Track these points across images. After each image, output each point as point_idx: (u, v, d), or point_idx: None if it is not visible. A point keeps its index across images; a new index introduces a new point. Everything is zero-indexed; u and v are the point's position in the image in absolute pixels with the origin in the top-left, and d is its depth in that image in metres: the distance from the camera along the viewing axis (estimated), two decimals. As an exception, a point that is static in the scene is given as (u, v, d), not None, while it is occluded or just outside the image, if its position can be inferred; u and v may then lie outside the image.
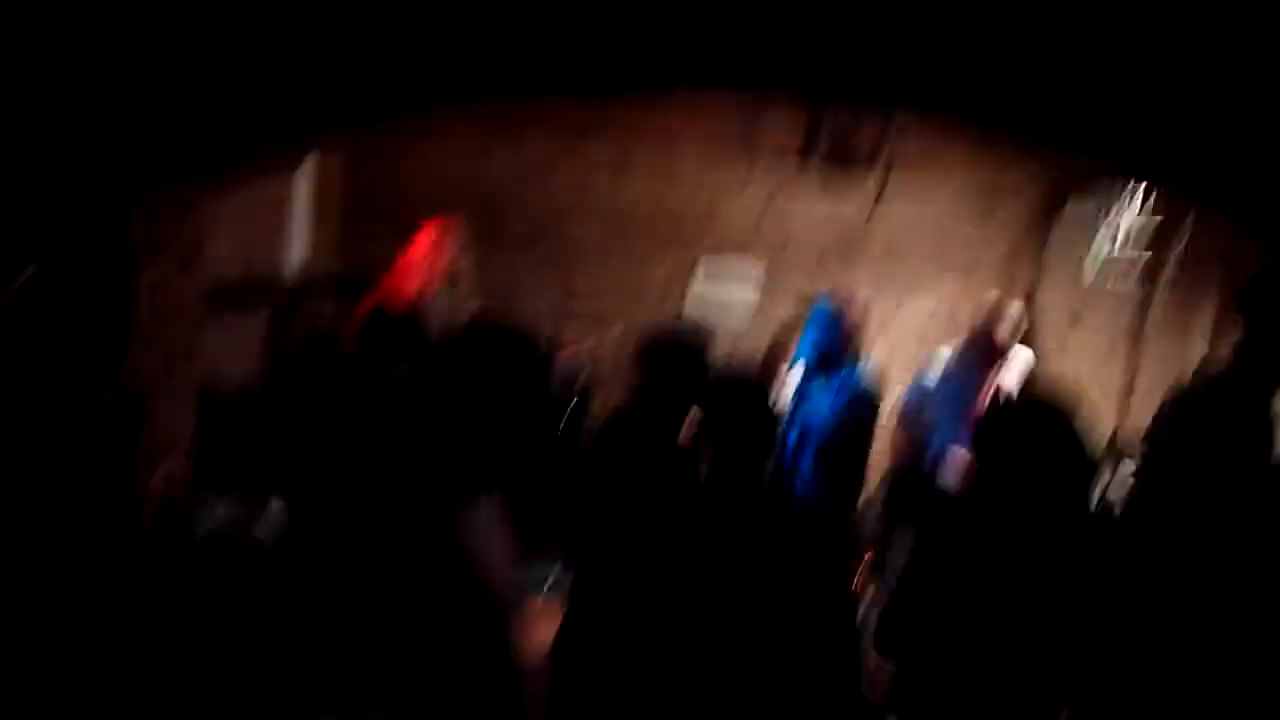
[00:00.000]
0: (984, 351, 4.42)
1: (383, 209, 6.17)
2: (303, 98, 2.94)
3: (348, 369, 2.92)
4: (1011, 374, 4.56)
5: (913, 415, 4.59)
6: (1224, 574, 2.43)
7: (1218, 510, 2.49)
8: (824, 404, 4.31)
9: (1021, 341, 4.69)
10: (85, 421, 2.83)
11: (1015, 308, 4.45)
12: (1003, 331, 4.38)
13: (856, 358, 4.46)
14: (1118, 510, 4.14)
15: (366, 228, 6.18)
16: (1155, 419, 2.82)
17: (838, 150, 3.13)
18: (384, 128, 3.54)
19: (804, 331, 4.63)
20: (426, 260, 4.56)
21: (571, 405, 5.44)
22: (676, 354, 2.85)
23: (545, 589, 4.33)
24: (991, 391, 4.33)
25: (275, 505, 3.86)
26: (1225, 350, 2.68)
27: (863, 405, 4.37)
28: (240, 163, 3.23)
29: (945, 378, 4.53)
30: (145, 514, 3.34)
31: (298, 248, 5.47)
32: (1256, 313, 2.59)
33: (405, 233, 6.12)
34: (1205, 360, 2.88)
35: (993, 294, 4.65)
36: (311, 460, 2.80)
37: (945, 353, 4.63)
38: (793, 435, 4.26)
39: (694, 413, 2.33)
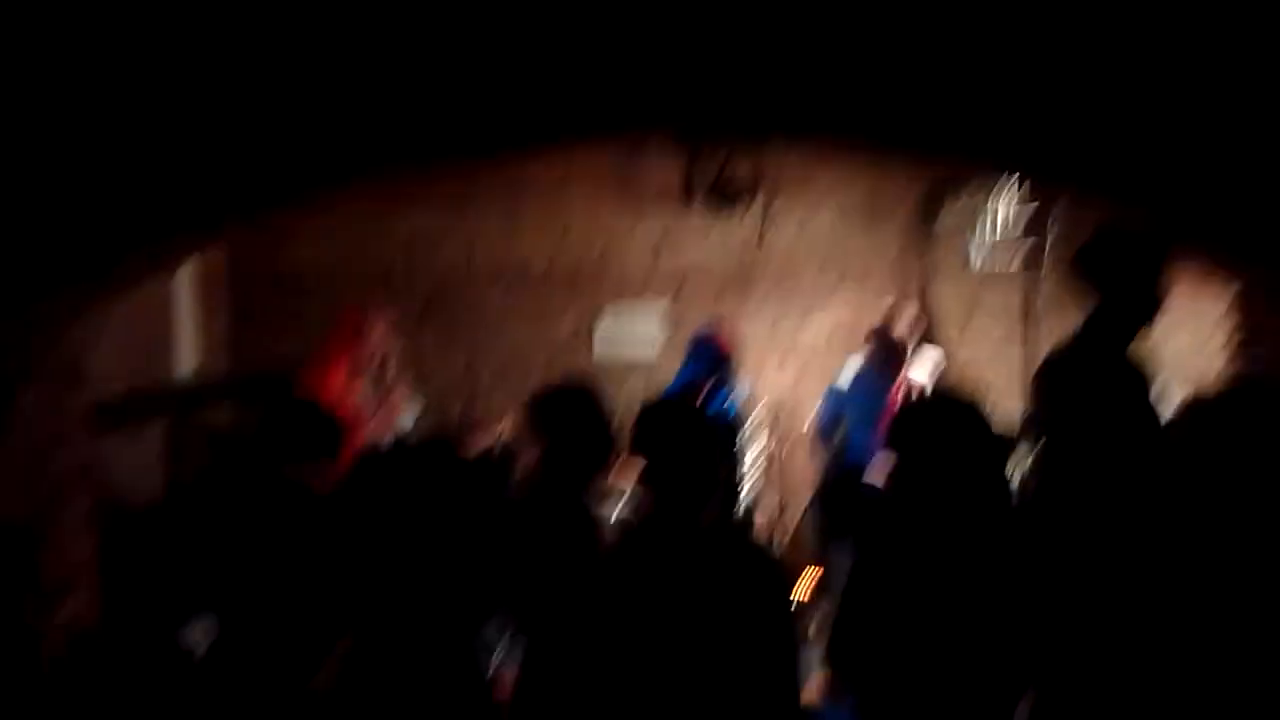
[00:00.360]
0: (888, 356, 4.54)
1: (271, 298, 6.04)
2: (171, 195, 2.85)
3: (261, 477, 2.79)
4: (922, 372, 4.70)
5: (828, 427, 4.68)
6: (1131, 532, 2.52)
7: (1107, 470, 2.58)
8: None
9: (924, 339, 4.84)
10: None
11: (910, 310, 4.59)
12: (902, 334, 4.51)
13: (727, 384, 4.53)
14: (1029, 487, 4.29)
15: (256, 320, 6.04)
16: (1029, 396, 2.93)
17: (718, 187, 3.19)
18: (261, 218, 3.46)
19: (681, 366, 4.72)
20: (346, 350, 4.43)
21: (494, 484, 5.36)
22: (572, 411, 2.81)
23: (497, 659, 4.23)
24: (902, 391, 4.44)
25: (196, 627, 3.69)
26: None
27: (721, 433, 4.46)
28: (112, 272, 3.11)
29: (855, 386, 4.64)
30: (49, 655, 3.14)
31: (187, 350, 5.29)
32: (1092, 276, 2.72)
33: (296, 321, 5.99)
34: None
35: (887, 300, 4.78)
36: (229, 578, 2.68)
37: (852, 362, 4.74)
38: None
39: (625, 456, 2.30)
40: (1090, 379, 2.72)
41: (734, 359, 4.65)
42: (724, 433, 4.44)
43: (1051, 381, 2.86)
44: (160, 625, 3.69)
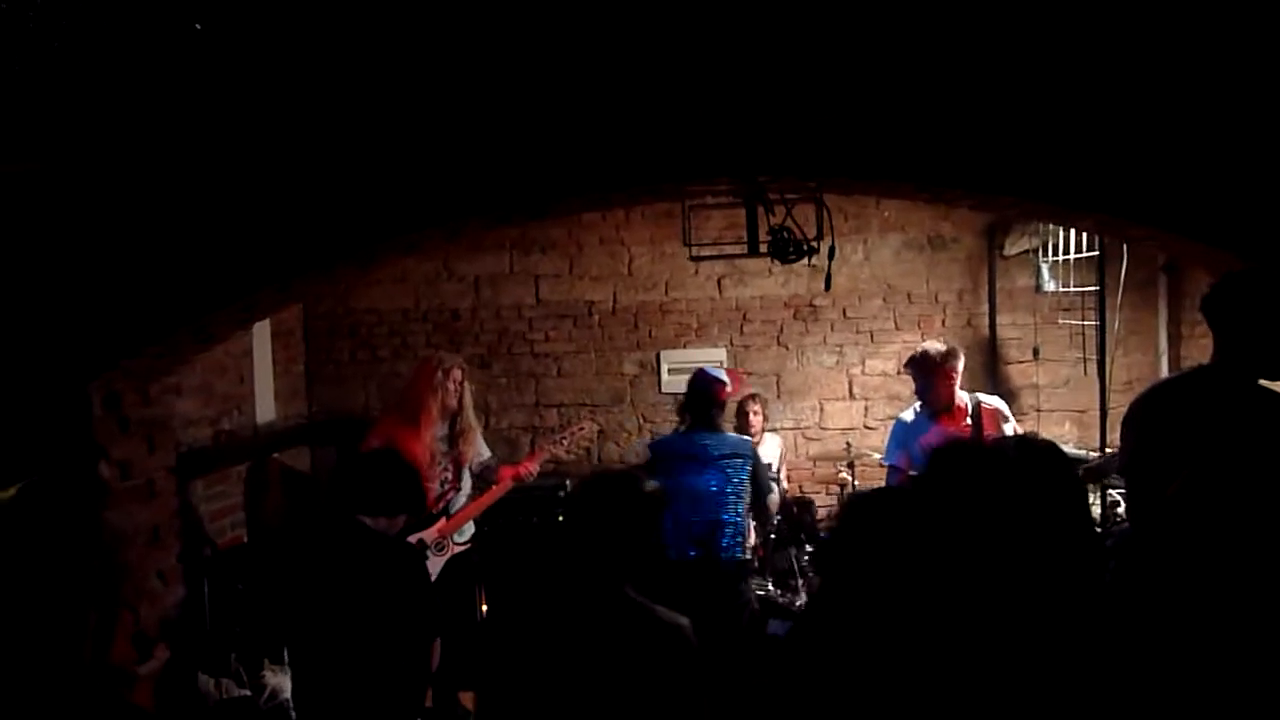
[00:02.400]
0: (943, 406, 4.38)
1: (344, 345, 6.22)
2: (248, 255, 2.98)
3: (340, 522, 2.85)
4: (995, 424, 4.48)
5: (893, 459, 4.54)
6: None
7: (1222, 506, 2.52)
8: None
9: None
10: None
11: (958, 358, 4.41)
12: (954, 381, 4.33)
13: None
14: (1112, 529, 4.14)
15: (330, 366, 6.22)
16: (1126, 431, 2.85)
17: (780, 246, 3.20)
18: (332, 273, 3.59)
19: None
20: (425, 397, 4.54)
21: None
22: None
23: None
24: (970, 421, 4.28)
25: (276, 670, 3.79)
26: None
27: None
28: (195, 329, 3.25)
29: (917, 418, 4.51)
30: (139, 700, 3.25)
31: (265, 397, 5.46)
32: (1217, 319, 2.66)
33: (368, 366, 6.16)
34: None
35: (936, 346, 4.58)
36: (309, 619, 2.75)
37: (910, 415, 4.57)
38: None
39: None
40: (1203, 415, 2.66)
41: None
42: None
43: (1157, 417, 2.78)
44: (242, 670, 3.81)
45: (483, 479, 4.74)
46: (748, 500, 4.34)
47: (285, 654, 3.55)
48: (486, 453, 4.80)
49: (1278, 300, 2.58)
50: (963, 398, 4.41)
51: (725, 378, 4.48)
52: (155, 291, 3.00)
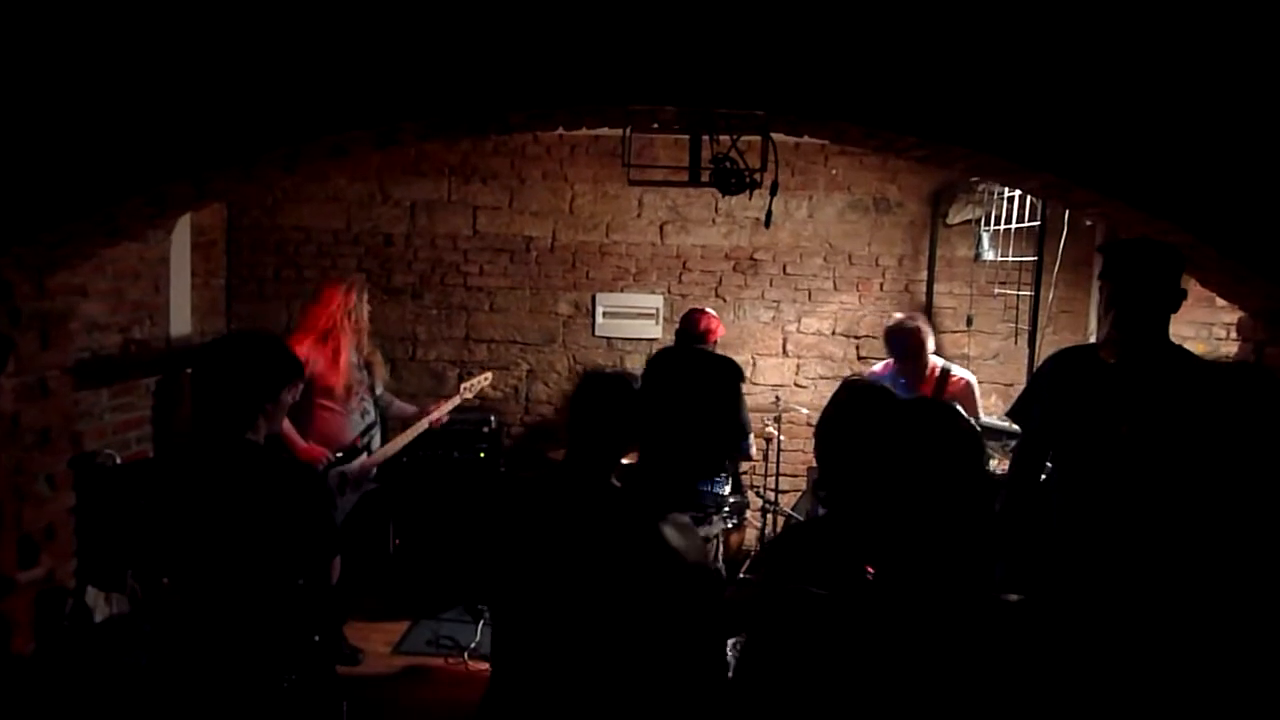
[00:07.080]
0: (913, 371, 4.33)
1: (269, 262, 5.99)
2: (157, 141, 2.78)
3: (222, 440, 2.66)
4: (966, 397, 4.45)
5: None
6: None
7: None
8: None
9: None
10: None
11: (923, 322, 4.39)
12: (921, 346, 4.29)
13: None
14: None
15: (253, 282, 6.00)
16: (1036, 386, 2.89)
17: (722, 176, 3.10)
18: (257, 175, 3.39)
19: None
20: (329, 320, 4.37)
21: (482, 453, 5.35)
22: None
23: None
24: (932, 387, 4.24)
25: (167, 588, 3.63)
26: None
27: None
28: (99, 220, 3.03)
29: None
30: (19, 611, 3.10)
31: (180, 309, 5.22)
32: (1116, 278, 2.68)
33: (292, 286, 5.94)
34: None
35: (899, 316, 4.58)
36: (193, 541, 2.59)
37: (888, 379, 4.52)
38: None
39: None
40: (1102, 379, 2.70)
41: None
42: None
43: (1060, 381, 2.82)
44: (138, 587, 3.65)
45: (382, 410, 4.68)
46: None
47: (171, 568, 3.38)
48: (381, 386, 4.66)
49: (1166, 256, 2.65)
50: (935, 363, 4.36)
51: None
52: (53, 175, 2.78)
